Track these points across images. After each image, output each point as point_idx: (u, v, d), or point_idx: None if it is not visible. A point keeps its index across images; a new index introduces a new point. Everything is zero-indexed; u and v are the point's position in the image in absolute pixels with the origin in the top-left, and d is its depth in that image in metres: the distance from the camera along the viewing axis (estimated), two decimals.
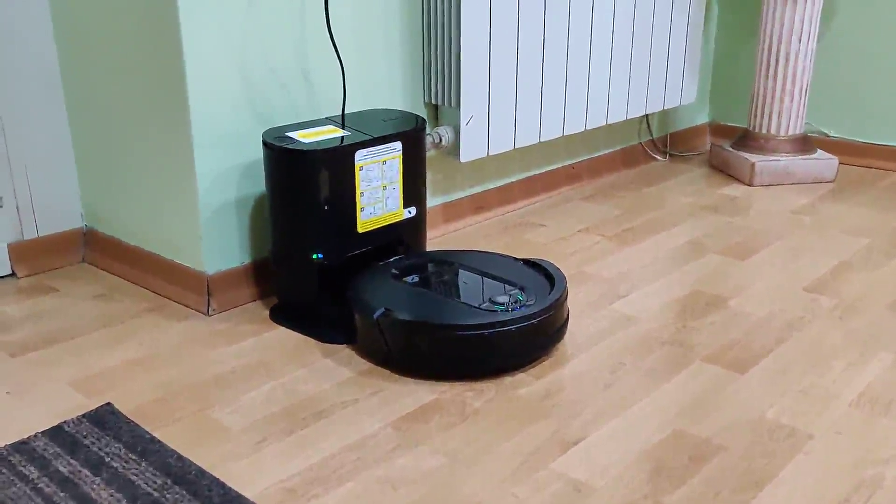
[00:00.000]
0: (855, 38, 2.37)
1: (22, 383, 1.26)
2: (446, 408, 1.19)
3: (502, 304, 1.30)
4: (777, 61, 2.20)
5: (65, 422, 1.14)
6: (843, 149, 2.44)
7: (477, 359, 1.26)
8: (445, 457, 1.08)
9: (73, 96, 1.63)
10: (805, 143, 2.29)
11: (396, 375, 1.28)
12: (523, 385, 1.25)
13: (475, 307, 1.30)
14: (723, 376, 1.28)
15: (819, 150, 2.32)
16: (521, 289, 1.37)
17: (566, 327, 1.37)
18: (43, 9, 1.58)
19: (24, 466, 1.04)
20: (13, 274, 1.64)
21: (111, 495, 0.99)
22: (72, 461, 1.05)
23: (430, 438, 1.12)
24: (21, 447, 1.08)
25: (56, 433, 1.11)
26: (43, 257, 1.67)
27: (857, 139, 2.43)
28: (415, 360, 1.28)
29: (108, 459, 1.06)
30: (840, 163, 2.44)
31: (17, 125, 1.58)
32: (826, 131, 2.47)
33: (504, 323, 1.25)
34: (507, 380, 1.27)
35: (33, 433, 1.12)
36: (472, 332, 1.24)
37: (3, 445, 1.09)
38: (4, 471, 1.03)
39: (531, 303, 1.31)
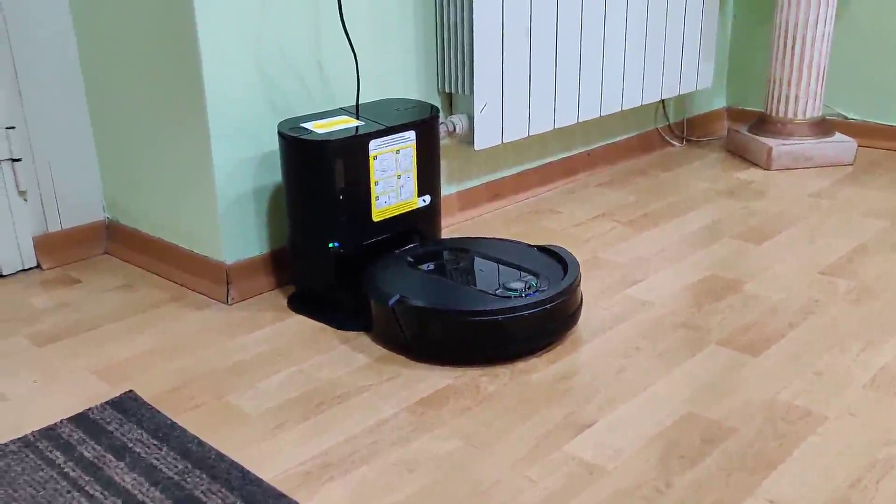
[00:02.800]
0: (873, 19, 2.34)
1: (48, 372, 1.29)
2: (461, 392, 1.21)
3: (516, 290, 1.32)
4: (794, 44, 2.19)
5: (89, 409, 1.17)
6: (862, 131, 2.42)
7: (491, 344, 1.28)
8: (460, 440, 1.10)
9: (94, 91, 1.66)
10: (823, 126, 2.27)
11: (412, 361, 1.30)
12: (537, 369, 1.27)
13: (489, 293, 1.31)
14: (737, 359, 1.28)
15: (837, 133, 2.30)
16: (535, 275, 1.38)
17: (580, 312, 1.38)
18: (63, 4, 1.60)
19: (50, 452, 1.07)
20: (38, 266, 1.68)
21: (134, 479, 1.02)
22: (96, 447, 1.08)
23: (444, 422, 1.14)
24: (48, 433, 1.11)
25: (81, 420, 1.14)
26: (66, 249, 1.70)
27: (877, 121, 2.40)
28: (430, 346, 1.29)
29: (130, 445, 1.09)
30: (859, 145, 2.42)
31: (39, 120, 1.62)
32: (844, 114, 2.45)
33: (517, 308, 1.26)
34: (521, 364, 1.28)
35: (59, 420, 1.15)
36: (485, 318, 1.25)
37: (30, 432, 1.12)
38: (32, 456, 1.07)
39: (545, 288, 1.32)
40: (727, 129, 2.53)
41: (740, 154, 2.38)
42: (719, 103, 2.67)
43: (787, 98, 2.24)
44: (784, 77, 2.23)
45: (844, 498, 0.97)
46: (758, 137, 2.29)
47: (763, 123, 2.31)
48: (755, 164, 2.29)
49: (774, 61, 2.24)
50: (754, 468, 1.02)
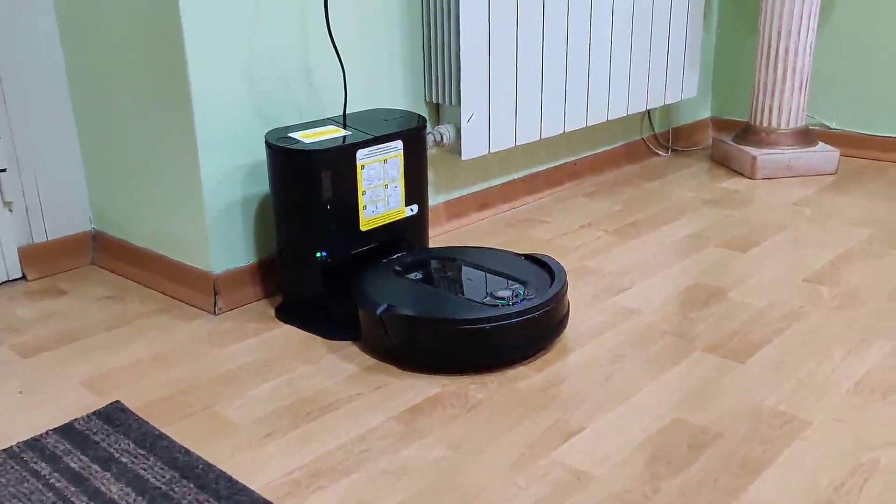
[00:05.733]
0: (855, 30, 2.37)
1: (34, 383, 1.28)
2: (449, 400, 1.21)
3: (503, 299, 1.32)
4: (777, 54, 2.21)
5: (75, 419, 1.17)
6: (845, 141, 2.45)
7: (479, 352, 1.28)
8: (448, 448, 1.10)
9: (80, 100, 1.65)
10: (806, 136, 2.29)
11: (400, 370, 1.30)
12: (525, 377, 1.27)
13: (477, 302, 1.32)
14: (722, 366, 1.29)
15: (820, 143, 2.32)
16: (523, 283, 1.38)
17: (567, 320, 1.39)
18: (48, 14, 1.60)
19: (36, 463, 1.07)
20: (24, 277, 1.67)
21: (121, 489, 1.01)
22: (82, 457, 1.08)
23: (433, 430, 1.14)
24: (33, 444, 1.11)
25: (67, 430, 1.14)
26: (52, 260, 1.70)
27: (859, 131, 2.43)
28: (418, 355, 1.30)
29: (117, 455, 1.08)
30: (841, 155, 2.45)
31: (25, 130, 1.61)
32: (827, 123, 2.48)
33: (505, 317, 1.27)
34: (509, 372, 1.29)
35: (45, 431, 1.14)
36: (473, 327, 1.26)
37: (15, 443, 1.11)
38: (17, 467, 1.06)
39: (532, 297, 1.33)
40: (712, 138, 2.55)
41: (725, 163, 2.40)
42: (704, 113, 2.69)
43: (771, 108, 2.26)
44: (768, 87, 2.25)
45: (828, 502, 0.97)
46: (742, 147, 2.31)
47: (747, 133, 2.33)
48: (740, 174, 2.31)
49: (758, 72, 2.27)
50: (740, 473, 1.03)
